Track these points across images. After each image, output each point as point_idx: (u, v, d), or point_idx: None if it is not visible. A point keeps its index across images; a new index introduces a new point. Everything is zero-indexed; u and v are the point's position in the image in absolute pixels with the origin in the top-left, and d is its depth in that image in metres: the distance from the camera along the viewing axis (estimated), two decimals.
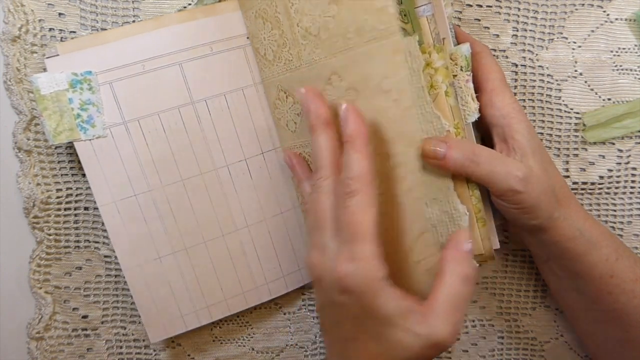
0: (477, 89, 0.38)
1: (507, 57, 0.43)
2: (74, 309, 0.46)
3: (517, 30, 0.43)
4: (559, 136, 0.44)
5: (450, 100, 0.36)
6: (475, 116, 0.37)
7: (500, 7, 0.42)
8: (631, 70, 0.42)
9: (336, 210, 0.33)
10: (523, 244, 0.43)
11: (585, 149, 0.44)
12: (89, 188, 0.42)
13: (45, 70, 0.40)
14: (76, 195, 0.44)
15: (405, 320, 0.32)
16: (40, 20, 0.41)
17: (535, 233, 0.39)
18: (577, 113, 0.43)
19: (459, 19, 0.43)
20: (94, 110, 0.40)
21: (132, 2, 0.42)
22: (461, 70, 0.37)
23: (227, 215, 0.44)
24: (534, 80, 0.43)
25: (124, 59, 0.40)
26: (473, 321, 0.48)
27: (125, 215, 0.42)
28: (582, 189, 0.45)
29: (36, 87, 0.39)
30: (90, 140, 0.40)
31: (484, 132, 0.39)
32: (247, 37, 0.43)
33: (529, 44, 0.43)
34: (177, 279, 0.43)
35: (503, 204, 0.37)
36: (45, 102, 0.39)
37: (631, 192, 0.45)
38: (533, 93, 0.43)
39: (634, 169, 0.44)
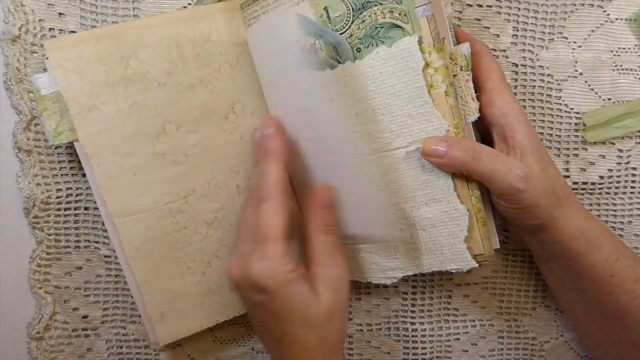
0: (477, 89, 0.38)
1: (507, 57, 0.43)
2: (74, 309, 0.46)
3: (517, 30, 0.43)
4: (559, 136, 0.44)
5: (450, 99, 0.36)
6: (475, 116, 0.37)
7: (501, 7, 0.42)
8: (631, 70, 0.42)
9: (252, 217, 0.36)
10: (523, 243, 0.43)
11: (586, 149, 0.44)
12: (89, 188, 0.42)
13: (45, 70, 0.40)
14: (76, 195, 0.44)
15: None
16: (40, 20, 0.41)
17: (535, 233, 0.39)
18: (577, 113, 0.43)
19: (459, 19, 0.43)
20: None
21: (132, 2, 0.42)
22: (461, 69, 0.37)
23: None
24: (534, 80, 0.43)
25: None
26: (473, 321, 0.48)
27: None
28: (582, 189, 0.45)
29: (36, 87, 0.39)
30: None
31: (484, 132, 0.39)
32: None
33: (529, 44, 0.43)
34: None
35: (503, 203, 0.37)
36: (45, 102, 0.39)
37: (631, 192, 0.45)
38: (533, 93, 0.43)
39: (634, 169, 0.44)
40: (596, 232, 0.38)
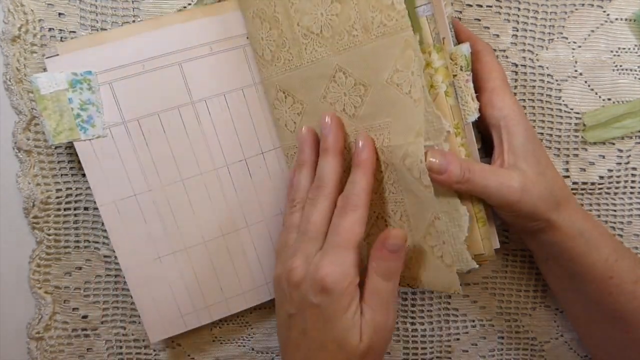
0: (478, 89, 0.38)
1: (507, 57, 0.43)
2: (73, 309, 0.46)
3: (517, 30, 0.43)
4: (559, 136, 0.44)
5: (450, 100, 0.36)
6: (475, 116, 0.37)
7: (500, 7, 0.42)
8: (631, 70, 0.42)
9: (328, 223, 0.36)
10: (523, 243, 0.43)
11: (585, 149, 0.44)
12: (88, 188, 0.42)
13: (45, 70, 0.40)
14: (76, 195, 0.44)
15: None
16: (40, 20, 0.41)
17: (534, 234, 0.39)
18: (577, 113, 0.43)
19: (459, 19, 0.43)
20: (94, 110, 0.40)
21: (132, 2, 0.42)
22: (461, 69, 0.37)
23: (227, 215, 0.44)
24: (534, 80, 0.43)
25: (123, 59, 0.40)
26: (473, 321, 0.48)
27: (125, 215, 0.42)
28: (582, 189, 0.45)
29: (36, 87, 0.38)
30: (90, 140, 0.40)
31: (485, 132, 0.39)
32: (247, 37, 0.42)
33: (529, 44, 0.43)
34: (177, 279, 0.43)
35: (500, 212, 0.37)
36: (44, 102, 0.39)
37: (631, 192, 0.45)
38: (533, 93, 0.43)
39: (634, 169, 0.44)
40: (595, 233, 0.38)
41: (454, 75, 0.37)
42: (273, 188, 0.45)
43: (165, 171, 0.42)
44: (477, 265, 0.37)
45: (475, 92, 0.37)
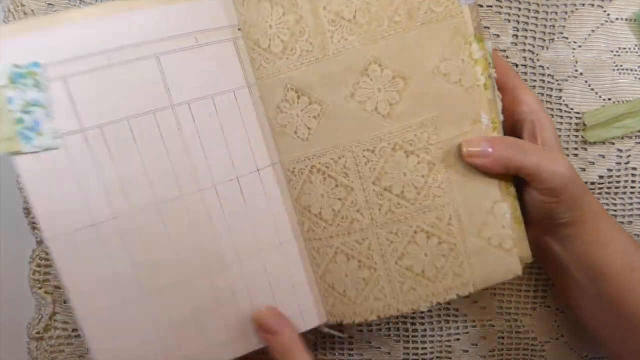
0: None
1: (507, 57, 0.43)
2: None
3: (518, 30, 0.43)
4: (559, 136, 0.44)
5: (488, 93, 0.35)
6: (501, 116, 0.37)
7: (501, 7, 0.42)
8: (631, 70, 0.43)
9: None
10: (540, 255, 0.41)
11: (585, 149, 0.44)
12: None
13: None
14: None
15: None
16: None
17: (561, 229, 0.38)
18: (578, 113, 0.43)
19: None
20: (42, 113, 0.31)
21: None
22: (489, 65, 0.36)
23: (214, 247, 0.36)
24: (535, 80, 0.43)
25: (84, 47, 0.32)
26: (473, 321, 0.48)
27: (83, 250, 0.33)
28: None
29: None
30: (35, 152, 0.31)
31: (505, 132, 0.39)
32: (239, 29, 0.36)
33: (529, 44, 0.43)
34: (147, 328, 0.35)
35: (544, 198, 0.36)
36: None
37: (631, 192, 0.45)
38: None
39: (634, 168, 0.44)
40: (611, 223, 0.39)
41: None
42: (271, 214, 0.38)
43: (136, 193, 0.34)
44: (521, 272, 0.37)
45: None
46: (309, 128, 0.36)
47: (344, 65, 0.35)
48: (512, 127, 0.39)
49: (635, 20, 0.42)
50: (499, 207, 0.36)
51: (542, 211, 0.37)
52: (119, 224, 0.33)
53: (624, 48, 0.42)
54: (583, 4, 0.42)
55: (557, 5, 0.42)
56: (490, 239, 0.36)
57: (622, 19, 0.42)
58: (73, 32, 0.32)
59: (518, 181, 0.37)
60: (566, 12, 0.42)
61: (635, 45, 0.42)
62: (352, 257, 0.38)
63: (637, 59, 0.43)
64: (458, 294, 0.37)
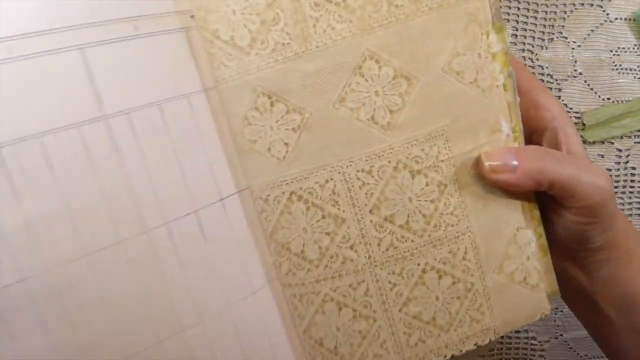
0: None
1: None
2: None
3: (517, 30, 0.43)
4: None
5: (508, 95, 0.30)
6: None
7: (500, 7, 0.42)
8: (631, 69, 0.43)
9: None
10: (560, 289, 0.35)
11: (585, 148, 0.44)
12: None
13: None
14: None
15: None
16: None
17: (590, 255, 0.33)
18: (577, 112, 0.43)
19: None
20: None
21: None
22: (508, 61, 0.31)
23: (166, 307, 0.26)
24: None
25: None
26: None
27: None
28: None
29: None
30: None
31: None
32: (192, 16, 0.27)
33: (528, 44, 0.43)
34: None
35: (578, 219, 0.30)
36: None
37: (630, 192, 0.45)
38: None
39: (633, 168, 0.44)
40: (637, 237, 0.34)
41: None
42: (239, 254, 0.29)
43: (54, 242, 0.24)
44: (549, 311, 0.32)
45: None
46: (286, 144, 0.28)
47: (330, 62, 0.28)
48: (529, 136, 0.33)
49: (634, 20, 0.42)
50: (522, 234, 0.30)
51: (574, 235, 0.31)
52: (29, 287, 0.23)
53: (624, 48, 0.42)
54: (582, 4, 0.42)
55: (556, 5, 0.42)
56: (514, 274, 0.31)
57: (621, 18, 0.42)
58: None
59: (541, 203, 0.32)
60: (565, 12, 0.42)
61: (635, 45, 0.42)
62: (344, 305, 0.30)
63: (636, 58, 0.43)
64: (477, 344, 0.31)
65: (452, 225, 0.30)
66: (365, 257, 0.30)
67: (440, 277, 0.30)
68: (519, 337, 0.48)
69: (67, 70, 0.24)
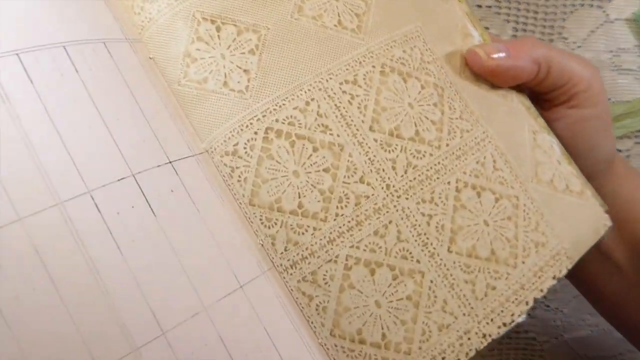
0: None
1: None
2: None
3: (517, 31, 0.43)
4: None
5: (464, 6, 0.30)
6: None
7: (500, 7, 0.42)
8: (630, 70, 0.43)
9: None
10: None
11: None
12: None
13: None
14: None
15: None
16: None
17: (600, 168, 0.31)
18: None
19: None
20: None
21: None
22: None
23: (118, 327, 0.19)
24: None
25: None
26: None
27: None
28: None
29: None
30: None
31: None
32: None
33: None
34: None
35: (579, 112, 0.29)
36: None
37: None
38: None
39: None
40: None
41: None
42: (208, 235, 0.22)
43: None
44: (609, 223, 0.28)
45: None
46: (246, 71, 0.23)
47: None
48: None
49: (634, 20, 0.42)
50: (541, 137, 0.27)
51: (581, 136, 0.30)
52: None
53: (623, 48, 0.43)
54: (582, 4, 0.42)
55: (556, 6, 0.42)
56: (554, 182, 0.27)
57: (621, 19, 0.42)
58: None
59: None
60: (565, 13, 0.42)
61: (635, 45, 0.43)
62: (377, 264, 0.23)
63: (636, 59, 0.43)
64: (555, 277, 0.25)
65: (468, 131, 0.26)
66: (382, 188, 0.24)
67: (478, 194, 0.25)
68: (518, 337, 0.48)
69: None
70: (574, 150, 0.29)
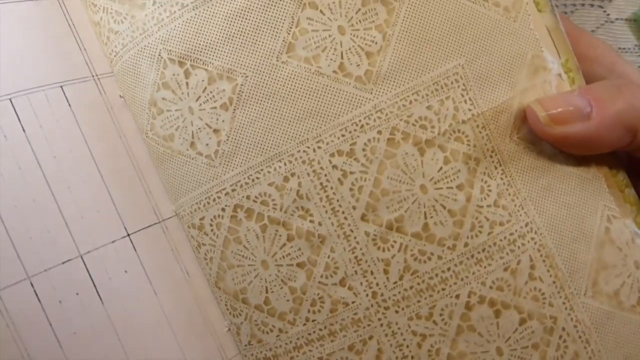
0: None
1: None
2: None
3: None
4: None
5: (545, 18, 0.22)
6: None
7: None
8: None
9: None
10: None
11: None
12: None
13: None
14: None
15: None
16: None
17: None
18: None
19: None
20: None
21: None
22: None
23: None
24: None
25: None
26: None
27: None
28: None
29: None
30: None
31: None
32: None
33: None
34: None
35: None
36: None
37: None
38: None
39: None
40: None
41: None
42: (165, 325, 0.19)
43: None
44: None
45: None
46: (216, 131, 0.19)
47: None
48: None
49: (635, 20, 0.42)
50: (618, 226, 0.20)
51: None
52: None
53: (624, 48, 0.42)
54: (583, 4, 0.42)
55: (556, 6, 0.42)
56: (620, 294, 0.20)
57: (622, 19, 0.42)
58: None
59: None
60: (566, 13, 0.42)
61: (635, 45, 0.42)
62: None
63: (636, 59, 0.43)
64: None
65: (502, 224, 0.19)
66: (367, 295, 0.19)
67: (497, 312, 0.19)
68: None
69: None
70: None
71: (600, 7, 0.42)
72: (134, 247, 0.18)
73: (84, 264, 0.17)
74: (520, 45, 0.20)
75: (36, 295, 0.16)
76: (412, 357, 0.18)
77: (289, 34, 0.18)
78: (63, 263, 0.17)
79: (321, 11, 0.18)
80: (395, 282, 0.18)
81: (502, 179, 0.19)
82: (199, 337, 0.19)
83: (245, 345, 0.19)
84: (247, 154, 0.19)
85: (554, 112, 0.19)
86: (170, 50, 0.19)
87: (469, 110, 0.19)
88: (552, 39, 0.21)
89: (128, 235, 0.18)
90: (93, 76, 0.19)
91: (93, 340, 0.17)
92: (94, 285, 0.17)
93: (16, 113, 0.17)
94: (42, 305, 0.16)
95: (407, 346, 0.18)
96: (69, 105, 0.18)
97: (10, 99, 0.17)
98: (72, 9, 0.18)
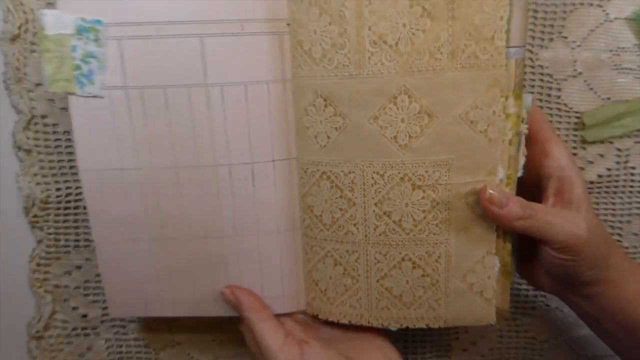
0: (528, 138, 0.37)
1: None
2: (73, 308, 0.46)
3: None
4: (558, 135, 0.44)
5: (511, 149, 0.35)
6: (521, 172, 0.37)
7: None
8: (630, 69, 0.42)
9: None
10: (567, 303, 0.41)
11: (584, 148, 0.44)
12: None
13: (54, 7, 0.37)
14: (76, 195, 0.44)
15: None
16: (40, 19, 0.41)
17: (585, 288, 0.37)
18: (577, 112, 0.43)
19: None
20: (96, 65, 0.36)
21: None
22: (522, 122, 0.36)
23: (216, 218, 0.39)
24: (534, 80, 0.43)
25: (139, 15, 0.36)
26: None
27: (107, 187, 0.39)
28: None
29: (41, 25, 0.36)
30: (85, 97, 0.37)
31: (523, 185, 0.38)
32: (288, 24, 0.37)
33: (528, 44, 0.43)
34: (148, 265, 0.40)
35: (561, 256, 0.35)
36: (47, 43, 0.36)
37: (630, 191, 0.45)
38: (533, 92, 0.43)
39: (633, 168, 0.44)
40: None
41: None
42: (276, 204, 0.40)
43: (160, 153, 0.38)
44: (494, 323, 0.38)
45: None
46: (328, 137, 0.37)
47: (375, 88, 0.35)
48: (537, 180, 0.38)
49: (634, 19, 0.42)
50: (490, 259, 0.37)
51: (561, 269, 0.36)
52: (141, 174, 0.38)
53: (623, 47, 0.42)
54: (582, 4, 0.42)
55: (556, 5, 0.42)
56: (473, 285, 0.37)
57: (621, 18, 0.42)
58: (132, 1, 0.36)
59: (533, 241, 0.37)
60: (565, 12, 0.42)
61: (635, 44, 0.42)
62: (339, 263, 0.39)
63: (636, 58, 0.43)
64: (428, 325, 0.39)
65: (434, 234, 0.37)
66: (362, 235, 0.38)
67: (414, 267, 0.38)
68: (518, 337, 0.48)
69: (189, 49, 0.36)
70: (555, 274, 0.37)
71: (600, 6, 0.42)
72: (274, 167, 0.39)
73: (252, 169, 0.39)
74: (488, 160, 0.35)
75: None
76: (370, 267, 0.39)
77: (378, 111, 0.35)
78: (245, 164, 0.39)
79: (397, 108, 0.35)
80: (377, 236, 0.38)
81: (445, 215, 0.37)
82: (289, 209, 0.40)
83: (306, 227, 0.40)
84: (337, 153, 0.37)
85: (493, 193, 0.34)
86: (322, 92, 0.36)
87: (445, 180, 0.36)
88: (509, 162, 0.36)
89: (273, 161, 0.39)
90: (284, 80, 0.38)
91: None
92: (252, 176, 0.39)
93: (223, 96, 0.38)
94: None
95: (370, 262, 0.38)
96: (268, 92, 0.38)
97: (222, 86, 0.38)
98: None
